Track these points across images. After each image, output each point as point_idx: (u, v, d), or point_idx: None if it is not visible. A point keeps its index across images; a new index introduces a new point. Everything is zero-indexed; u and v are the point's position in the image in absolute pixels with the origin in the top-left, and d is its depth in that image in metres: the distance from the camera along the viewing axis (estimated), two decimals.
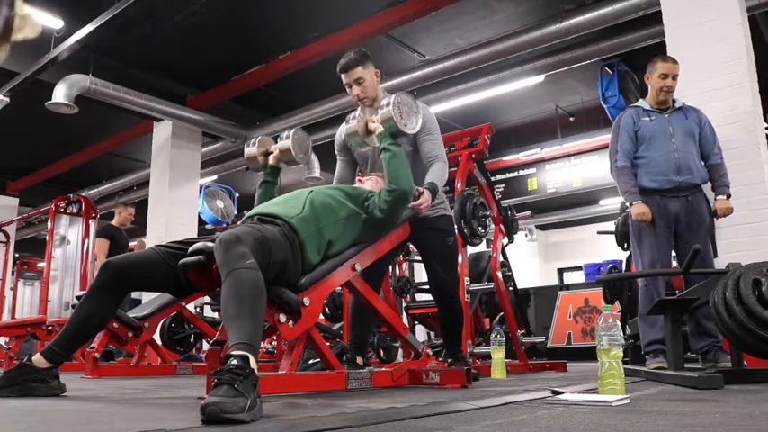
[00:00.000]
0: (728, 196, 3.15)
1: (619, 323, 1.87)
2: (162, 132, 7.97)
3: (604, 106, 6.82)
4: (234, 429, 1.16)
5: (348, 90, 2.77)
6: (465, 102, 7.19)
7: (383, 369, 2.61)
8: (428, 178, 2.68)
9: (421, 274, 5.74)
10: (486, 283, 4.25)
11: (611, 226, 4.90)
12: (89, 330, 2.14)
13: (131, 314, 4.14)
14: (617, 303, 4.61)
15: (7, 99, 6.56)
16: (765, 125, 4.11)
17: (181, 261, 1.92)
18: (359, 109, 2.60)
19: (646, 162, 3.18)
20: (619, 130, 3.27)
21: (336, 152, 3.03)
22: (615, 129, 3.32)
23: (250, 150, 2.81)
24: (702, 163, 3.21)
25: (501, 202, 4.57)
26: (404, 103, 2.47)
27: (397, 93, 2.50)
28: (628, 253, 4.78)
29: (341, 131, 2.95)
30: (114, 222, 6.48)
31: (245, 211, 2.98)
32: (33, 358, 2.00)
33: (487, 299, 5.25)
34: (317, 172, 9.20)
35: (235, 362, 1.42)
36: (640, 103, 3.36)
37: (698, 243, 2.74)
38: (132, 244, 7.63)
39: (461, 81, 6.77)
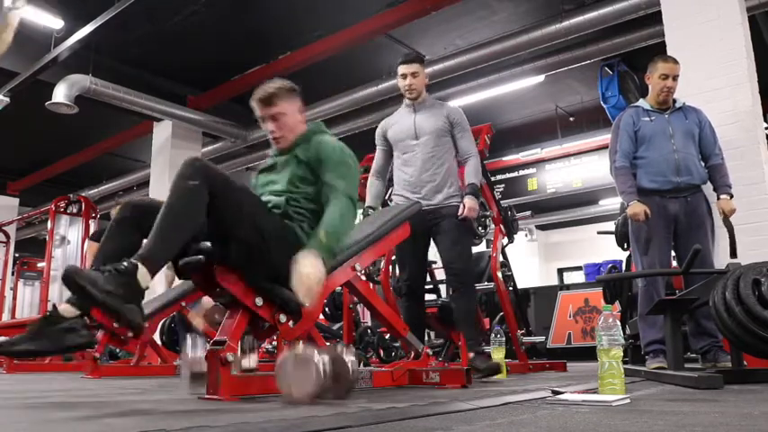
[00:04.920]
0: (731, 196, 3.15)
1: (619, 323, 1.87)
2: (162, 132, 7.97)
3: (604, 106, 6.82)
4: (235, 428, 1.16)
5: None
6: (465, 102, 7.19)
7: (383, 369, 2.61)
8: (468, 178, 3.12)
9: None
10: (486, 283, 4.24)
11: (611, 226, 4.89)
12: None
13: None
14: (617, 303, 4.61)
15: (7, 99, 6.56)
16: (765, 125, 4.11)
17: (182, 261, 1.92)
18: None
19: (645, 162, 3.18)
20: (618, 130, 3.27)
21: (377, 141, 3.37)
22: (615, 128, 3.32)
23: None
24: (702, 164, 3.21)
25: (501, 202, 4.57)
26: None
27: None
28: (628, 253, 4.78)
29: (383, 123, 3.36)
30: None
31: None
32: (60, 308, 1.81)
33: (487, 299, 5.25)
34: None
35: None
36: (640, 102, 3.36)
37: (698, 243, 2.74)
38: None
39: (461, 81, 6.77)
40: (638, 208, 3.07)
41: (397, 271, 5.49)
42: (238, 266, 1.97)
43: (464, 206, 3.05)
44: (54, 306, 1.83)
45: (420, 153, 3.15)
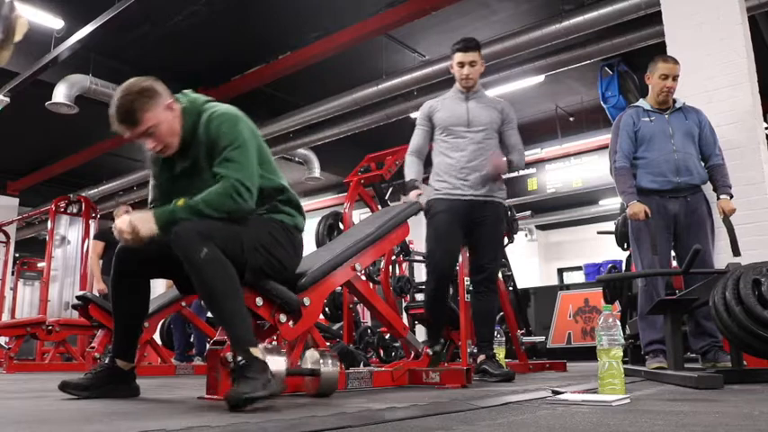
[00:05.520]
0: (731, 196, 3.15)
1: (619, 323, 1.87)
2: None
3: (604, 106, 6.82)
4: (235, 428, 1.16)
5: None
6: None
7: (383, 369, 2.62)
8: (511, 156, 3.11)
9: (421, 274, 5.73)
10: None
11: (611, 226, 4.89)
12: (139, 322, 2.16)
13: None
14: (617, 303, 4.62)
15: (7, 99, 6.56)
16: (765, 125, 4.11)
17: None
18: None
19: (645, 162, 3.18)
20: (618, 131, 3.27)
21: (419, 121, 3.21)
22: (615, 129, 3.33)
23: None
24: (702, 164, 3.21)
25: None
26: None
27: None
28: (628, 253, 4.78)
29: (430, 105, 3.19)
30: None
31: None
32: (119, 363, 2.07)
33: None
34: (316, 172, 9.20)
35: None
36: (640, 102, 3.36)
37: (698, 243, 2.75)
38: None
39: None
40: (637, 208, 3.07)
41: (397, 271, 5.50)
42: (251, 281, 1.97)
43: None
44: (113, 360, 2.08)
45: (470, 142, 3.02)
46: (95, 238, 6.25)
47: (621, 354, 1.84)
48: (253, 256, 1.89)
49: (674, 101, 3.28)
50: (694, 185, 3.14)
